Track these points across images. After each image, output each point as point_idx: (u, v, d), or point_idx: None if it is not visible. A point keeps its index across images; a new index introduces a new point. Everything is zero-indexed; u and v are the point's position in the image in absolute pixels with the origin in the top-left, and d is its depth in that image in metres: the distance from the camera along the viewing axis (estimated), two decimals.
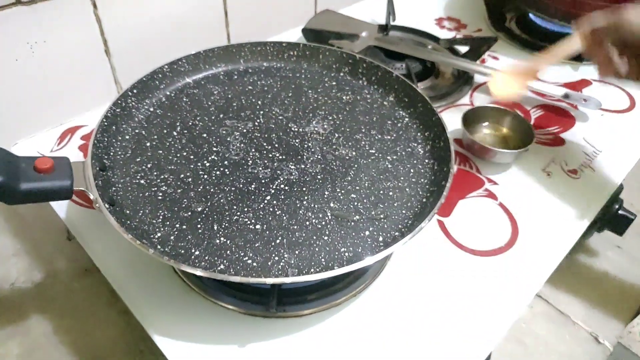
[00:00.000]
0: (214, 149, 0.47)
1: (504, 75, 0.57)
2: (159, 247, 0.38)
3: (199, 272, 0.35)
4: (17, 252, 0.54)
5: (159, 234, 0.40)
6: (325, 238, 0.41)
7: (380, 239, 0.41)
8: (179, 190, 0.43)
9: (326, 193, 0.44)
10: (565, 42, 0.52)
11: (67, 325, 0.48)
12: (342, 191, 0.44)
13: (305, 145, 0.48)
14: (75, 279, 0.51)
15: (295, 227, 0.41)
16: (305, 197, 0.43)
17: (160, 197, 0.42)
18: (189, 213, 0.41)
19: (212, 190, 0.43)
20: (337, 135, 0.50)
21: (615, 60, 0.47)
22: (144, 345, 0.47)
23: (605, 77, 0.52)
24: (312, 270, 0.38)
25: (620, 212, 0.59)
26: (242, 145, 0.48)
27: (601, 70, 0.49)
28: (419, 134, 0.51)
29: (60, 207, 0.50)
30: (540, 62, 0.55)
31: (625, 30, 0.45)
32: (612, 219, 0.59)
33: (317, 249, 0.40)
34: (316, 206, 0.43)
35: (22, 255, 0.53)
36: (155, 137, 0.48)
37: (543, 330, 0.53)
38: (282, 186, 0.44)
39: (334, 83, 0.56)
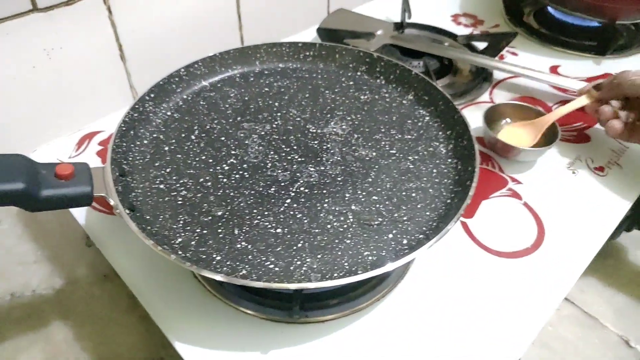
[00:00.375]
0: (233, 152, 0.47)
1: (515, 129, 0.57)
2: (180, 252, 0.38)
3: (221, 278, 0.34)
4: (38, 259, 0.54)
5: (179, 239, 0.39)
6: (348, 241, 0.40)
7: (405, 242, 0.40)
8: (199, 195, 0.43)
9: (347, 195, 0.43)
10: (573, 102, 0.57)
11: (88, 332, 0.48)
12: (364, 193, 0.43)
13: (324, 147, 0.48)
14: (95, 285, 0.51)
15: (317, 230, 0.40)
16: (326, 200, 0.43)
17: (180, 202, 0.42)
18: (210, 217, 0.41)
19: (231, 194, 0.43)
20: (356, 135, 0.49)
21: (620, 115, 0.52)
22: (164, 352, 0.46)
23: (613, 135, 0.53)
24: (336, 274, 0.37)
25: None
26: (260, 147, 0.47)
27: (607, 128, 0.53)
28: (440, 132, 0.50)
29: (79, 213, 0.50)
30: (549, 117, 0.56)
31: (626, 85, 0.51)
32: None
33: (339, 253, 0.39)
34: (337, 209, 0.42)
35: (42, 262, 0.53)
36: (174, 141, 0.47)
37: (571, 334, 0.52)
38: (302, 189, 0.43)
39: (351, 82, 0.55)
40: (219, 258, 0.38)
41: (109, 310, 0.49)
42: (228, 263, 0.38)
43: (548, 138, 0.55)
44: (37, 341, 0.47)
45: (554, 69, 0.70)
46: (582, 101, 0.56)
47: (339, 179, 0.45)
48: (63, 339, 0.48)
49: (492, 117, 0.58)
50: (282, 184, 0.44)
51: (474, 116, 0.58)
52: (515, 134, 0.56)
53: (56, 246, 0.55)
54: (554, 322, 0.52)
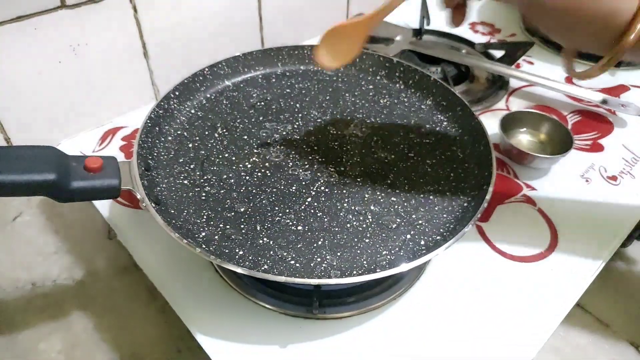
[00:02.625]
0: (255, 150, 0.48)
1: (340, 29, 0.45)
2: (203, 246, 0.39)
3: (244, 271, 0.35)
4: (58, 250, 0.55)
5: (203, 234, 0.40)
6: (367, 240, 0.41)
7: (422, 242, 0.41)
8: (222, 191, 0.44)
9: (366, 196, 0.44)
10: None
11: (107, 323, 0.49)
12: (382, 194, 0.44)
13: (344, 148, 0.49)
14: (115, 278, 0.52)
15: (337, 229, 0.41)
16: (346, 200, 0.44)
17: (203, 198, 0.43)
18: (233, 213, 0.42)
19: (254, 191, 0.44)
20: (375, 138, 0.50)
21: None
22: (182, 344, 0.47)
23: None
24: (355, 272, 0.38)
25: None
26: (282, 147, 0.48)
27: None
28: (457, 137, 0.50)
29: (103, 206, 0.51)
30: (373, 14, 0.44)
31: None
32: None
33: (358, 251, 0.40)
34: (357, 208, 0.43)
35: (63, 253, 0.54)
36: (197, 138, 0.49)
37: (582, 340, 0.52)
38: (322, 188, 0.44)
39: (370, 86, 0.56)
40: (241, 253, 0.39)
41: (128, 302, 0.50)
42: (250, 258, 0.39)
43: (562, 146, 0.56)
44: (57, 330, 0.48)
45: (569, 79, 0.71)
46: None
47: (359, 179, 0.46)
48: (82, 329, 0.49)
49: (508, 124, 0.58)
50: (303, 183, 0.45)
51: (490, 123, 0.59)
52: (340, 37, 0.45)
53: (77, 238, 0.56)
54: (566, 328, 0.52)
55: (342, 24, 0.45)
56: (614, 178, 0.56)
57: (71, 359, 0.46)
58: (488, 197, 0.41)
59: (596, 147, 0.60)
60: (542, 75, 0.65)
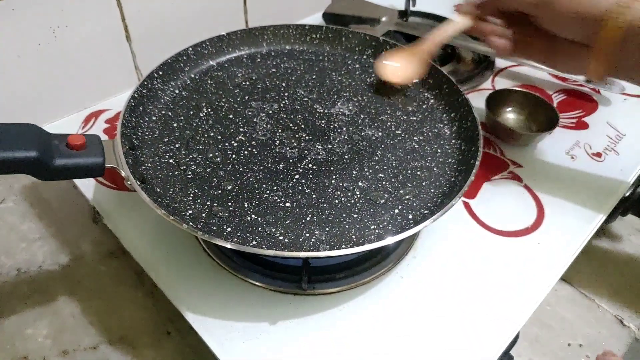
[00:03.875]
0: (241, 129, 0.47)
1: (394, 61, 0.53)
2: (190, 223, 0.39)
3: (233, 246, 0.35)
4: (43, 236, 0.54)
5: (190, 212, 0.40)
6: (355, 216, 0.41)
7: (410, 216, 0.41)
8: (208, 170, 0.43)
9: (354, 172, 0.44)
10: (450, 23, 0.51)
11: (95, 307, 0.48)
12: (370, 171, 0.44)
13: (332, 126, 0.48)
14: (101, 262, 0.52)
15: (325, 205, 0.41)
16: (334, 176, 0.43)
17: (190, 176, 0.42)
18: (219, 191, 0.41)
19: (241, 169, 0.43)
20: (362, 116, 0.50)
21: (501, 32, 0.48)
22: (171, 326, 0.47)
23: (501, 53, 0.49)
24: (344, 246, 0.38)
25: None
26: (268, 126, 0.48)
27: (494, 46, 0.48)
28: (444, 115, 0.50)
29: (87, 189, 0.50)
30: (428, 43, 0.51)
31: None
32: (636, 202, 0.59)
33: (347, 227, 0.40)
34: (345, 185, 0.43)
35: (47, 239, 0.53)
36: (182, 118, 0.48)
37: (568, 313, 0.53)
38: (310, 165, 0.44)
39: (357, 65, 0.56)
40: (229, 229, 0.39)
41: (115, 286, 0.50)
42: (238, 234, 0.38)
43: (548, 124, 0.56)
44: (44, 315, 0.48)
45: None
46: (462, 22, 0.50)
47: (346, 157, 0.45)
48: (69, 313, 0.48)
49: (494, 102, 0.59)
50: (291, 160, 0.45)
51: (476, 102, 0.58)
52: (396, 68, 0.53)
53: (61, 223, 0.55)
54: (552, 302, 0.53)
55: (403, 49, 0.53)
56: (598, 155, 0.57)
57: (59, 343, 0.46)
58: (475, 170, 0.41)
59: (581, 125, 0.61)
60: None
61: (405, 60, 0.52)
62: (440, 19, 0.75)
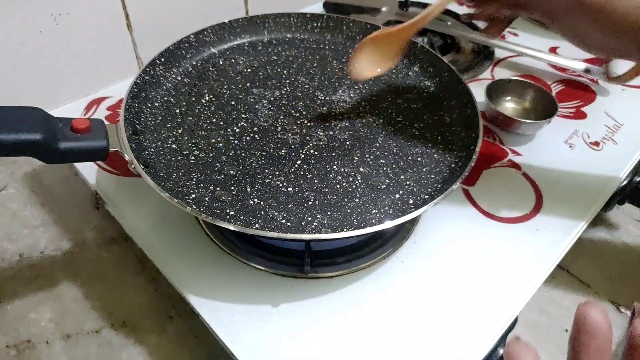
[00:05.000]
0: (243, 115, 0.47)
1: (376, 40, 0.46)
2: (194, 207, 0.39)
3: (236, 228, 0.35)
4: (45, 222, 0.54)
5: (193, 195, 0.40)
6: (357, 200, 0.41)
7: (411, 201, 0.41)
8: (211, 155, 0.43)
9: (355, 158, 0.44)
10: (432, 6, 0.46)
11: (97, 292, 0.49)
12: (371, 157, 0.45)
13: (333, 113, 0.49)
14: (103, 248, 0.52)
15: (327, 190, 0.42)
16: (335, 162, 0.44)
17: (192, 161, 0.43)
18: (222, 176, 0.42)
19: (243, 154, 0.44)
20: (363, 103, 0.50)
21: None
22: (173, 311, 0.47)
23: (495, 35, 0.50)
24: (345, 230, 0.38)
25: None
26: (270, 112, 0.48)
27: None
28: (445, 102, 0.51)
29: (89, 175, 0.51)
30: (413, 22, 0.46)
31: None
32: (633, 191, 0.59)
33: (348, 211, 0.40)
34: (346, 170, 0.43)
35: (50, 225, 0.54)
36: (185, 104, 0.48)
37: (566, 300, 0.54)
38: (311, 151, 0.45)
39: None
40: (232, 213, 0.39)
41: (117, 272, 0.50)
42: (242, 217, 0.39)
43: (546, 113, 0.57)
44: (47, 300, 0.48)
45: (553, 50, 0.72)
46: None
47: (347, 143, 0.46)
48: (72, 298, 0.48)
49: (494, 91, 0.59)
50: (293, 146, 0.45)
51: (475, 92, 0.58)
52: (376, 49, 0.47)
53: (63, 210, 0.55)
54: (549, 289, 0.54)
55: (377, 34, 0.46)
56: (596, 144, 0.58)
57: (61, 327, 0.46)
58: (475, 156, 0.42)
59: (579, 115, 0.61)
60: (527, 45, 0.66)
61: (379, 48, 0.47)
62: None
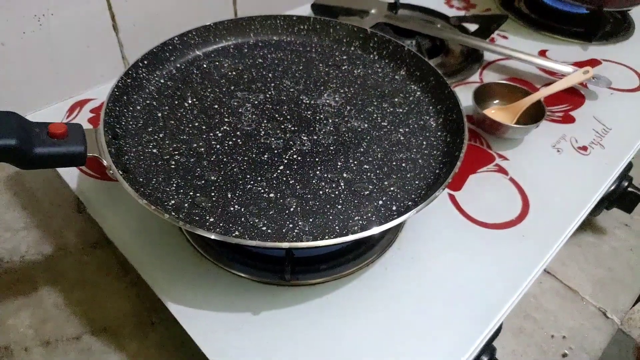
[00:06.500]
0: (226, 119, 0.47)
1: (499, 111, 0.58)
2: (173, 213, 0.38)
3: (215, 236, 0.35)
4: (27, 226, 0.53)
5: (172, 202, 0.39)
6: (339, 207, 0.40)
7: (394, 208, 0.41)
8: (192, 160, 0.43)
9: (339, 164, 0.44)
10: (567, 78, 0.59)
11: (78, 297, 0.48)
12: (355, 162, 0.44)
13: (317, 117, 0.48)
14: (85, 252, 0.51)
15: (309, 196, 0.41)
16: (319, 167, 0.43)
17: (173, 166, 0.42)
18: (203, 182, 0.41)
19: (225, 159, 0.43)
20: (348, 107, 0.50)
21: None
22: (155, 316, 0.47)
23: None
24: (327, 237, 0.38)
25: (629, 189, 0.59)
26: (253, 116, 0.47)
27: None
28: (430, 107, 0.50)
29: (71, 178, 0.50)
30: (530, 98, 0.57)
31: None
32: (621, 196, 0.59)
33: (331, 217, 0.40)
34: (329, 176, 0.43)
35: (31, 229, 0.53)
36: (167, 107, 0.47)
37: (552, 306, 0.53)
38: (295, 156, 0.44)
39: (344, 57, 0.56)
40: (212, 220, 0.38)
41: (99, 277, 0.49)
42: (221, 225, 0.38)
43: (534, 117, 0.56)
44: (27, 305, 0.47)
45: (542, 53, 0.72)
46: (568, 82, 0.56)
47: (332, 148, 0.45)
48: (53, 303, 0.48)
49: (482, 95, 0.59)
50: (276, 151, 0.44)
51: (463, 96, 0.59)
52: (497, 114, 0.57)
53: (45, 213, 0.55)
54: (536, 294, 0.54)
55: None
56: (584, 148, 0.57)
57: (41, 333, 0.45)
58: (459, 163, 0.41)
59: (568, 119, 0.61)
60: (516, 48, 0.66)
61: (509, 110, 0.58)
62: (429, 12, 0.75)
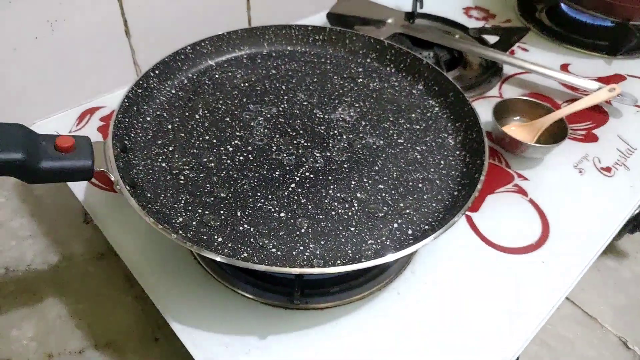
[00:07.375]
0: (237, 133, 0.46)
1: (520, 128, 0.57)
2: (180, 232, 0.37)
3: (221, 259, 0.34)
4: (34, 234, 0.53)
5: (180, 219, 0.38)
6: (352, 229, 0.39)
7: (410, 232, 0.39)
8: (202, 175, 0.42)
9: (353, 183, 0.42)
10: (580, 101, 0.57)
11: (82, 309, 0.47)
12: (370, 181, 0.43)
13: (331, 133, 0.47)
14: (90, 263, 0.50)
15: (321, 216, 0.40)
16: (331, 186, 0.42)
17: (182, 181, 0.41)
18: (212, 198, 0.40)
19: (235, 175, 0.42)
20: (364, 123, 0.48)
21: None
22: (159, 332, 0.46)
23: None
24: (339, 262, 0.36)
25: None
26: (266, 130, 0.46)
27: None
28: (449, 124, 0.49)
29: (79, 189, 0.49)
30: (551, 115, 0.55)
31: None
32: None
33: (343, 240, 0.38)
34: (342, 196, 0.41)
35: (38, 237, 0.52)
36: (177, 119, 0.46)
37: (570, 333, 0.51)
38: (307, 174, 0.43)
39: (360, 69, 0.54)
40: (220, 239, 0.37)
41: (104, 289, 0.49)
42: (229, 245, 0.37)
43: (556, 135, 0.54)
44: (31, 316, 0.47)
45: (564, 67, 0.70)
46: (593, 99, 0.54)
47: (345, 165, 0.44)
48: (57, 315, 0.47)
49: (501, 111, 0.57)
50: (287, 168, 0.43)
51: (482, 110, 0.57)
52: (517, 131, 0.56)
53: (52, 222, 0.54)
54: (554, 321, 0.52)
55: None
56: (608, 169, 0.55)
57: (44, 346, 0.45)
58: (479, 186, 0.40)
59: (590, 137, 0.59)
60: (537, 62, 0.64)
61: (529, 127, 0.57)
62: (448, 22, 0.73)
